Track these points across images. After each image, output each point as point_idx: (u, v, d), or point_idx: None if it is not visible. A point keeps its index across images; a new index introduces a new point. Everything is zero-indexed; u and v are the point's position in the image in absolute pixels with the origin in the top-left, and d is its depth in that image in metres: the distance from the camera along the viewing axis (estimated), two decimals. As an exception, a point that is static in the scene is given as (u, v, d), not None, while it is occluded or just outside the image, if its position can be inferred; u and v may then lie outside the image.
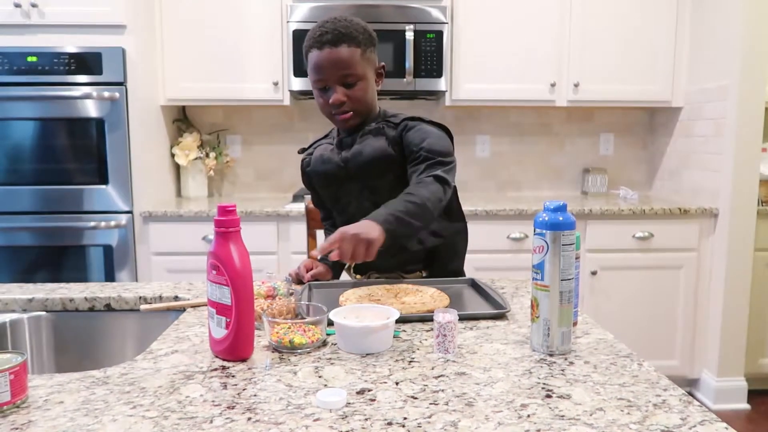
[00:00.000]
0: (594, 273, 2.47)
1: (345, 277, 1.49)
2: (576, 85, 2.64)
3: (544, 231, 0.81)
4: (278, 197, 2.86)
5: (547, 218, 0.82)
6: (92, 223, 2.33)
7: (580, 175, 3.04)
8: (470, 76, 2.63)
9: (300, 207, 2.40)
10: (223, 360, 0.82)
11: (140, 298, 1.15)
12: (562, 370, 0.78)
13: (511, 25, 2.62)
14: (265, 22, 2.57)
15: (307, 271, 1.31)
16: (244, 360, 0.81)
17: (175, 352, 0.85)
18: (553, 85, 2.64)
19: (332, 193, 1.36)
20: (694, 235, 2.49)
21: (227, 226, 0.80)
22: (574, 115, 3.00)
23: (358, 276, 1.42)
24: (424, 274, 1.36)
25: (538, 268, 0.83)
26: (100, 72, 2.30)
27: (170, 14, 2.56)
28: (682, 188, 2.75)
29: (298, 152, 1.47)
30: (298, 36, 2.49)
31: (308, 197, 2.58)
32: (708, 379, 2.51)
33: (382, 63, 1.30)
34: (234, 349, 0.81)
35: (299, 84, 2.53)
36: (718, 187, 2.46)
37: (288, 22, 2.50)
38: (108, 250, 2.36)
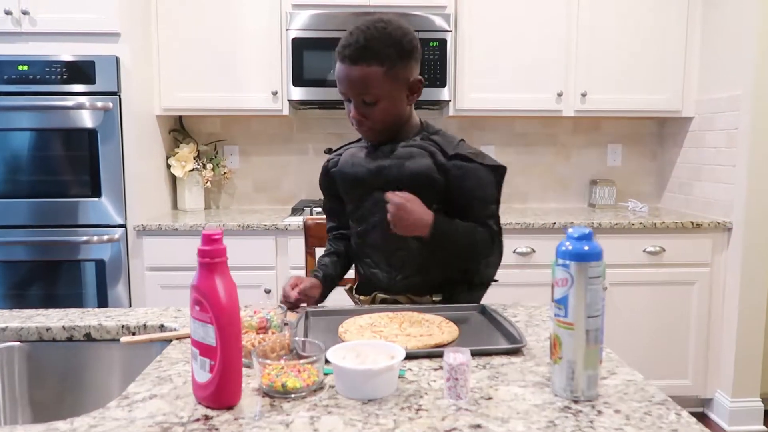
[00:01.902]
0: (604, 289, 2.38)
1: (345, 298, 1.40)
2: (583, 95, 2.57)
3: (567, 262, 0.73)
4: (277, 209, 2.78)
5: (570, 247, 0.73)
6: (84, 238, 2.25)
7: (587, 186, 2.95)
8: (474, 86, 2.55)
9: (299, 221, 2.32)
10: (207, 407, 0.73)
11: (123, 327, 1.06)
12: (591, 422, 0.68)
13: (517, 33, 2.54)
14: (263, 30, 2.49)
15: (293, 288, 1.21)
16: (230, 408, 0.72)
17: (153, 397, 0.76)
18: (560, 94, 2.56)
19: (356, 199, 1.28)
20: (706, 250, 2.40)
21: (212, 256, 0.72)
22: (581, 125, 2.92)
23: (362, 297, 1.32)
24: (435, 299, 1.25)
25: (561, 303, 0.74)
26: (93, 81, 2.23)
27: (166, 21, 2.49)
28: (693, 201, 2.66)
29: (325, 152, 1.40)
30: (298, 44, 2.42)
31: (308, 209, 2.51)
32: (722, 400, 2.41)
33: (419, 77, 1.20)
34: (219, 396, 0.72)
35: (299, 94, 2.45)
36: (731, 200, 2.37)
37: (287, 30, 2.42)
38: (100, 265, 2.28)
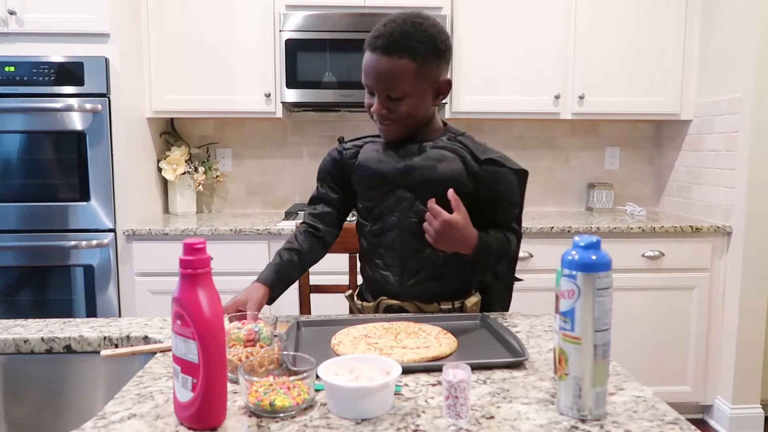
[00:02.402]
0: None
1: (341, 304, 1.35)
2: (581, 98, 2.53)
3: (574, 272, 0.68)
4: (270, 213, 2.73)
5: (577, 257, 0.69)
6: (73, 242, 2.20)
7: (585, 190, 2.92)
8: (471, 88, 2.52)
9: (292, 225, 2.27)
10: (189, 429, 0.68)
11: (105, 338, 1.01)
12: (599, 444, 0.64)
13: (514, 35, 2.51)
14: (256, 31, 2.45)
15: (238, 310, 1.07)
16: (214, 429, 0.68)
17: (132, 417, 0.71)
18: (557, 97, 2.53)
19: (375, 196, 1.21)
20: (706, 254, 2.37)
21: (195, 267, 0.67)
22: (579, 128, 2.89)
23: (365, 303, 1.25)
24: (442, 308, 1.20)
25: (567, 316, 0.69)
26: (81, 82, 2.17)
27: (157, 22, 2.44)
28: (691, 204, 2.63)
29: (339, 140, 1.30)
30: (292, 46, 2.37)
31: (302, 213, 2.46)
32: (722, 406, 2.38)
33: (448, 79, 1.16)
34: (202, 416, 0.67)
35: (292, 96, 2.41)
36: (731, 204, 2.34)
37: (281, 31, 2.38)
38: (89, 270, 2.22)
